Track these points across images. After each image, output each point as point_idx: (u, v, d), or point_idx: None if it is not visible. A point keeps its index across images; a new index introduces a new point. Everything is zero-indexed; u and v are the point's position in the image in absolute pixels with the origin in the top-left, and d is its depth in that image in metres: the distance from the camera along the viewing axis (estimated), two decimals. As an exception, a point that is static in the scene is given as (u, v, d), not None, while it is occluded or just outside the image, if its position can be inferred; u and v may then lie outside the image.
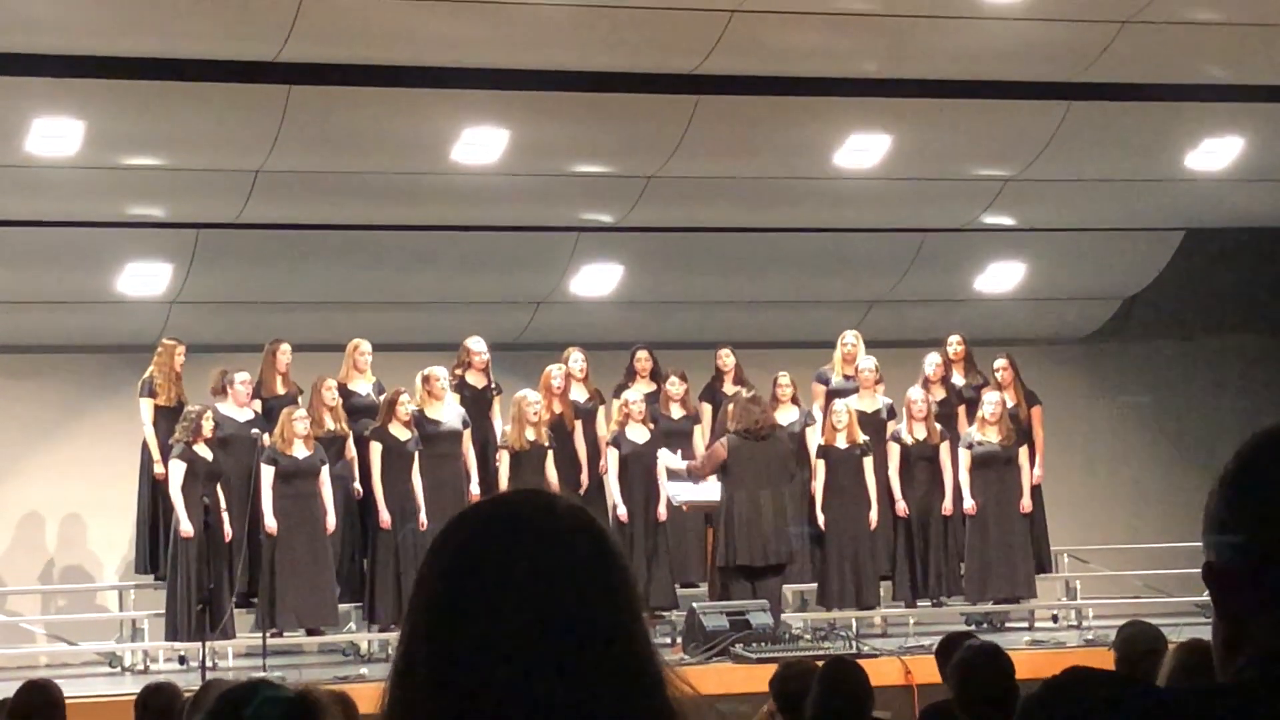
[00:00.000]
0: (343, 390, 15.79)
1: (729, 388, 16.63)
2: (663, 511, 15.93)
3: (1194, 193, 18.41)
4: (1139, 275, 19.96)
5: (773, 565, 15.29)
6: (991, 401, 16.48)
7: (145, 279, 17.17)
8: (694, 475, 15.67)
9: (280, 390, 15.90)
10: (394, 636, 14.85)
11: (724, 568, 15.34)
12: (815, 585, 16.35)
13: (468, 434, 15.74)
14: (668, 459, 15.81)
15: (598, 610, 1.98)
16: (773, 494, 15.36)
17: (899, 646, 14.72)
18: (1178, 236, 19.67)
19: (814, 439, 16.44)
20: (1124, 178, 17.93)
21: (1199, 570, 2.01)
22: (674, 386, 16.53)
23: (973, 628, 16.27)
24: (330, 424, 15.51)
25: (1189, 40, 16.10)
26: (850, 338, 17.08)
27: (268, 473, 15.06)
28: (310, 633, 15.44)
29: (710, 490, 15.57)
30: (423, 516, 15.27)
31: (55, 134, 15.01)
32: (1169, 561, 18.35)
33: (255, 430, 15.37)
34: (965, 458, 16.43)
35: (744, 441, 15.40)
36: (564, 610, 1.96)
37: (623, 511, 15.73)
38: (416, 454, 15.40)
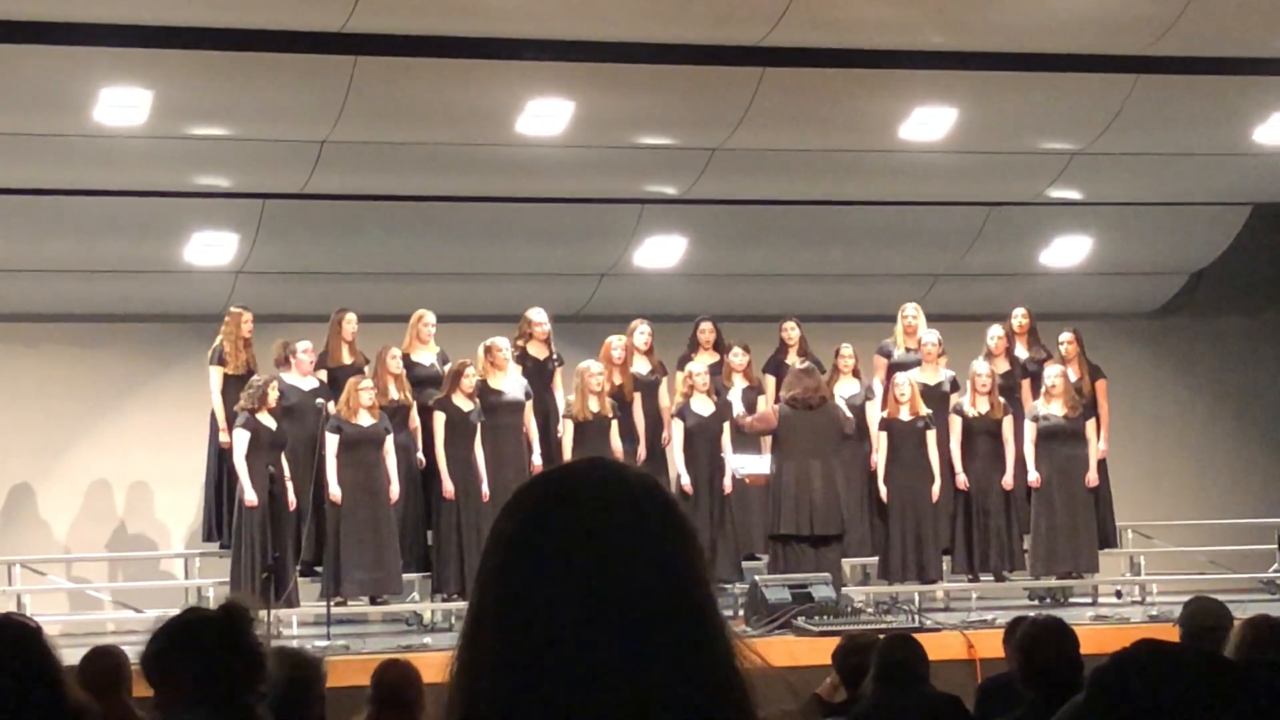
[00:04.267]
0: (406, 360, 15.83)
1: (793, 359, 16.62)
2: (728, 484, 15.93)
3: (1262, 167, 18.28)
4: (1206, 250, 19.84)
5: (824, 536, 15.26)
6: (1053, 374, 16.42)
7: (212, 249, 17.25)
8: (745, 430, 15.69)
9: (346, 360, 15.96)
10: (457, 606, 14.94)
11: (773, 536, 15.36)
12: (877, 559, 16.34)
13: (529, 405, 15.76)
14: (736, 460, 15.85)
15: (666, 580, 1.98)
16: (822, 464, 15.34)
17: (961, 620, 14.70)
18: (1245, 211, 19.55)
19: (874, 412, 16.42)
20: (1192, 151, 17.82)
21: (1264, 546, 2.01)
22: (737, 358, 16.53)
23: (1036, 602, 16.26)
24: (394, 393, 15.55)
25: (1258, 13, 15.97)
26: (911, 310, 17.05)
27: (332, 441, 15.11)
28: (374, 601, 15.50)
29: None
30: (485, 487, 15.31)
31: (123, 104, 15.08)
32: (1234, 537, 18.28)
33: (320, 399, 15.43)
34: (1030, 430, 16.38)
35: (794, 411, 15.39)
36: (632, 580, 1.96)
37: (686, 482, 15.74)
38: (479, 425, 15.43)
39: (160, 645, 4.30)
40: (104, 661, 7.61)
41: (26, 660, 4.06)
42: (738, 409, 15.91)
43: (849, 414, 15.84)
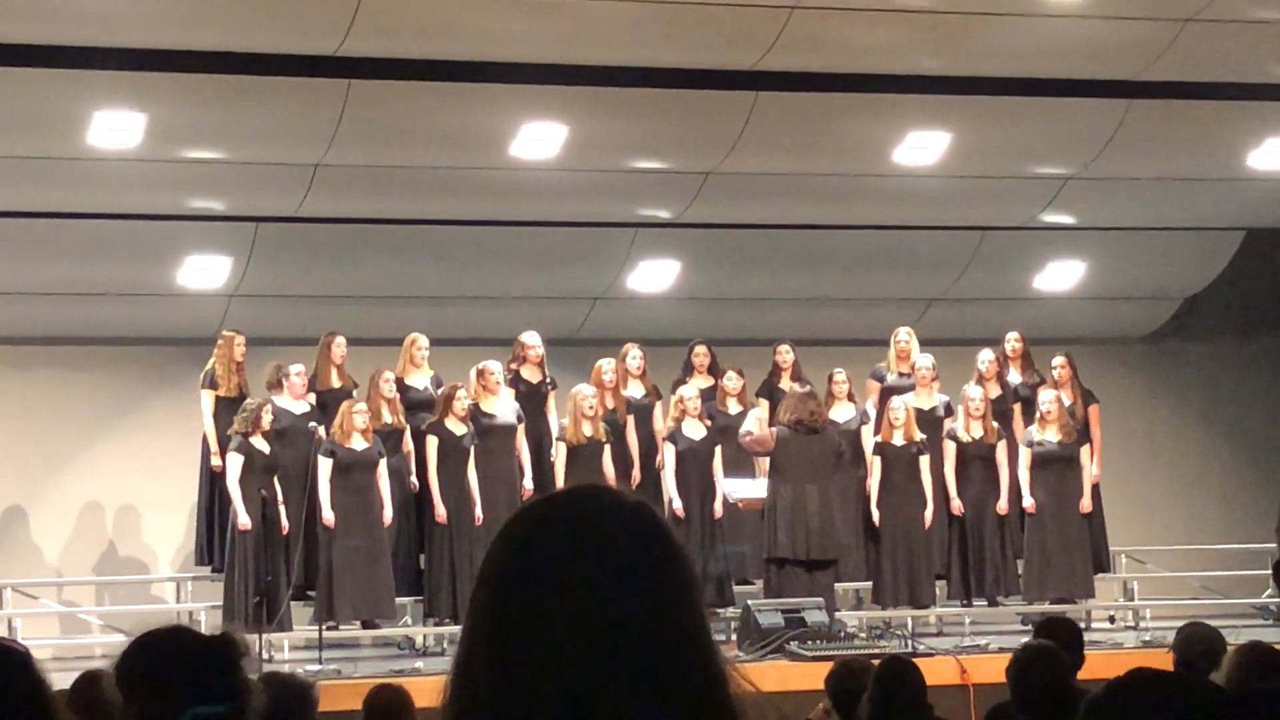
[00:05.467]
0: (400, 384, 15.82)
1: (786, 383, 16.60)
2: (719, 508, 15.92)
3: (1255, 192, 18.30)
4: (1199, 275, 19.85)
5: (819, 561, 15.24)
6: (1047, 399, 16.41)
7: (205, 272, 17.24)
8: (744, 447, 15.62)
9: (335, 383, 15.94)
10: (450, 630, 14.92)
11: (769, 560, 15.33)
12: (870, 583, 16.32)
13: (521, 428, 15.74)
14: (729, 485, 15.83)
15: (660, 608, 1.98)
16: (819, 489, 15.31)
17: (954, 645, 14.68)
18: (1239, 236, 19.57)
19: (869, 436, 16.41)
20: (1185, 177, 17.83)
21: (1257, 572, 2.00)
22: (731, 382, 16.51)
23: (1029, 627, 16.22)
24: (387, 417, 15.54)
25: (1251, 39, 16.00)
26: (904, 335, 17.04)
27: (325, 465, 15.09)
28: (366, 626, 15.47)
29: (765, 487, 15.56)
30: (478, 511, 15.29)
31: (117, 127, 15.09)
32: (1227, 563, 18.27)
33: (312, 423, 15.42)
34: (1025, 456, 16.36)
35: (794, 434, 15.37)
36: (626, 608, 1.96)
37: (678, 506, 15.72)
38: (472, 449, 15.41)
39: (143, 655, 4.24)
40: (95, 686, 7.59)
41: (14, 686, 4.02)
42: (747, 426, 15.81)
43: (843, 447, 15.82)
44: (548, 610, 1.96)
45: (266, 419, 15.11)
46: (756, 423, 16.04)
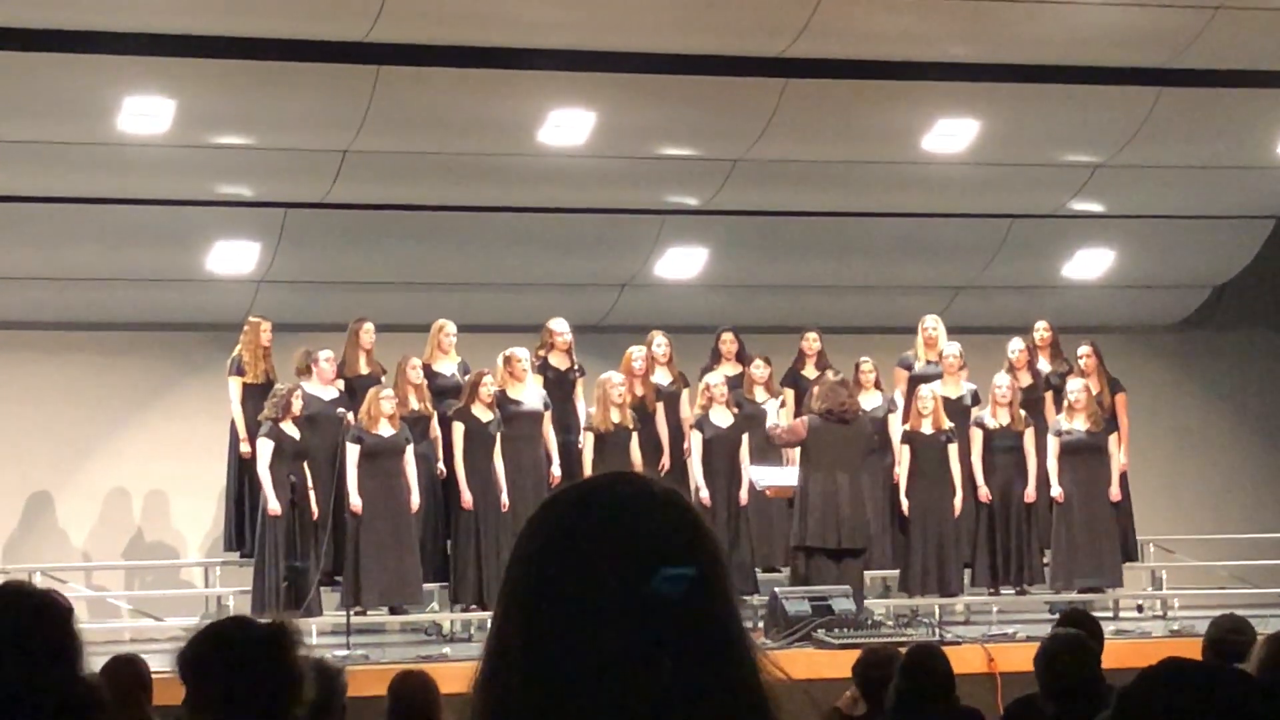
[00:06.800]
0: (427, 370, 15.83)
1: (809, 371, 16.60)
2: (745, 495, 15.91)
3: (1285, 180, 18.25)
4: (1229, 263, 19.79)
5: (849, 549, 15.23)
6: (1076, 388, 16.38)
7: (233, 258, 17.27)
8: (774, 440, 15.61)
9: (364, 369, 15.96)
10: (477, 616, 14.95)
11: (798, 548, 15.31)
12: (898, 571, 16.31)
13: (548, 415, 15.75)
14: (757, 472, 15.81)
15: (691, 595, 1.97)
16: (850, 478, 15.29)
17: (982, 634, 14.66)
18: (1269, 224, 19.50)
19: (896, 424, 16.39)
20: (1215, 165, 17.78)
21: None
22: (758, 370, 16.50)
23: (1057, 616, 16.21)
24: (415, 403, 15.55)
25: (1282, 26, 15.95)
26: (931, 322, 17.02)
27: (353, 451, 15.11)
28: (394, 611, 15.50)
29: (793, 475, 15.53)
30: (504, 497, 15.30)
31: (146, 112, 15.12)
32: (1257, 552, 18.23)
33: (340, 409, 15.44)
34: (1054, 445, 16.34)
35: (825, 423, 15.33)
36: (658, 595, 1.96)
37: (705, 495, 15.72)
38: (498, 435, 15.42)
39: (201, 648, 4.29)
40: (125, 670, 7.61)
41: (51, 634, 4.04)
42: (771, 419, 15.81)
43: (874, 436, 15.82)
44: (578, 596, 1.96)
45: (297, 404, 15.14)
46: (781, 414, 16.02)
